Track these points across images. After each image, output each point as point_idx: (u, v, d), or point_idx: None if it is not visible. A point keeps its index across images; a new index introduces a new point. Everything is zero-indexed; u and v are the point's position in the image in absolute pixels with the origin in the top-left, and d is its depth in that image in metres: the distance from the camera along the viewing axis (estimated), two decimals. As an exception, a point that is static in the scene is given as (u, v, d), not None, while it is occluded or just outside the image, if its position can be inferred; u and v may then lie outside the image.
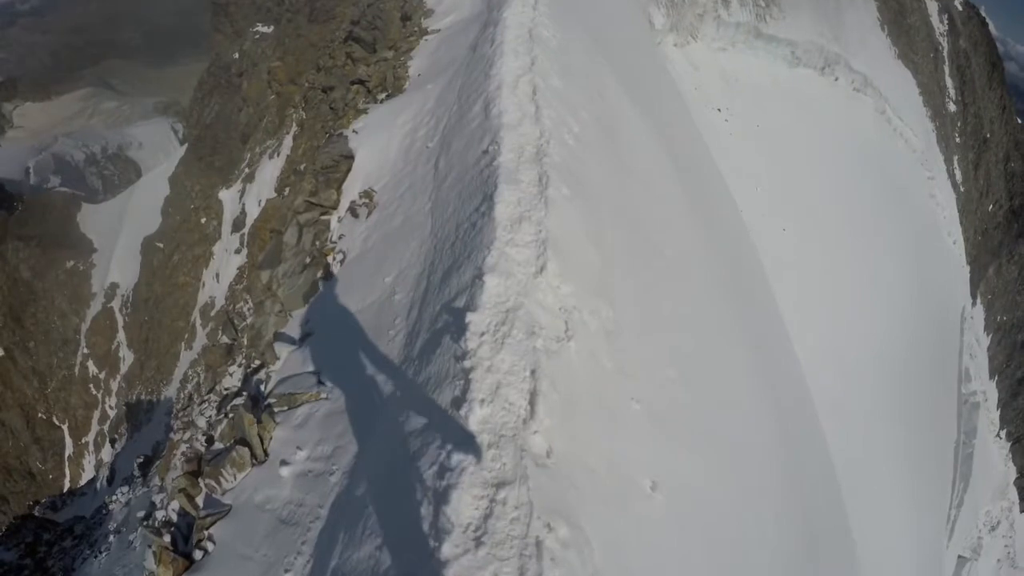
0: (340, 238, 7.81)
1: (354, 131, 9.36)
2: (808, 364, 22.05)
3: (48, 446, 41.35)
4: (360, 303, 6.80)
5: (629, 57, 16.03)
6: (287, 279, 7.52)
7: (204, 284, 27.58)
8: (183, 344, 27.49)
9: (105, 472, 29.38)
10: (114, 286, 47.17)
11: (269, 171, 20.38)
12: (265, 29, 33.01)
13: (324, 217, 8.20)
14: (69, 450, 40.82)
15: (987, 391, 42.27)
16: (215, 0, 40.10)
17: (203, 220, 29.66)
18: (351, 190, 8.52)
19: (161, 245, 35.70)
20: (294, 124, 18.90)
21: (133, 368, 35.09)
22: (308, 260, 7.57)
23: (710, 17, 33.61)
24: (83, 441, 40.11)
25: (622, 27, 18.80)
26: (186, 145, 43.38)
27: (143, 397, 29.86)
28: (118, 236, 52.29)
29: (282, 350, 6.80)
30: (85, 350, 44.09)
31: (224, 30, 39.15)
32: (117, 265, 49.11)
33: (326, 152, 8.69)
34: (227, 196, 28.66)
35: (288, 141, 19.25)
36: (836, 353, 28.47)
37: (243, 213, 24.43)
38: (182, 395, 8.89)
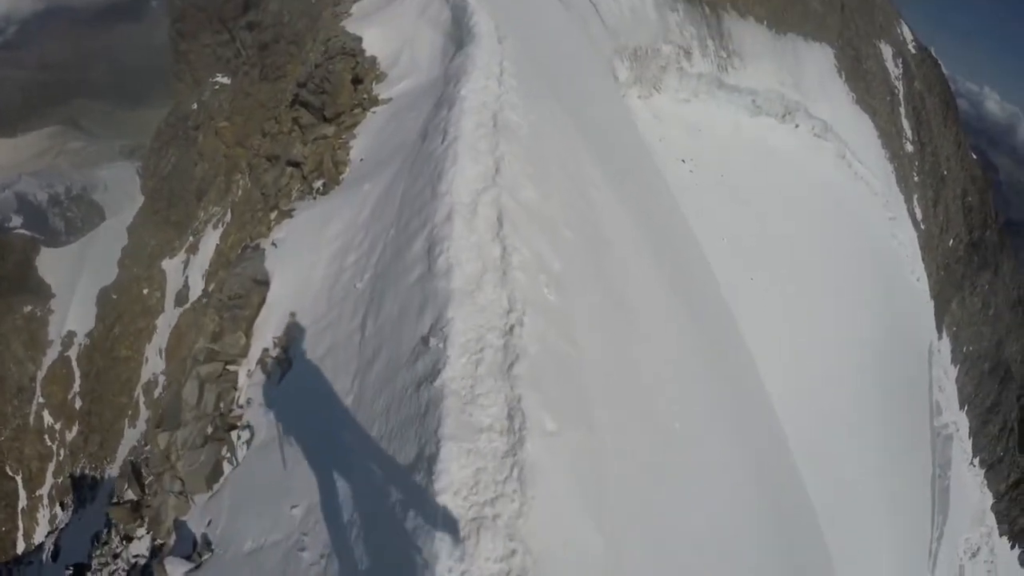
0: (248, 403, 6.43)
1: (273, 243, 7.69)
2: (783, 409, 21.47)
3: (1, 497, 39.08)
4: (261, 534, 5.05)
5: (600, 118, 15.07)
6: (187, 451, 6.22)
7: (147, 359, 25.79)
8: (126, 421, 25.70)
9: (50, 547, 27.61)
10: (71, 334, 45.29)
11: (213, 243, 19.10)
12: (224, 80, 31.83)
13: (230, 368, 6.80)
14: (23, 502, 38.49)
15: (958, 422, 42.63)
16: (176, 47, 38.83)
17: (145, 291, 27.95)
18: (263, 332, 6.92)
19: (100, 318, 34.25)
20: (239, 191, 17.56)
21: (77, 440, 33.17)
22: (210, 429, 6.26)
23: (673, 69, 33.43)
24: (37, 494, 37.85)
25: (589, 82, 17.90)
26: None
27: (87, 472, 27.87)
28: (77, 283, 50.74)
29: (175, 571, 5.49)
30: (40, 399, 41.93)
31: (184, 79, 37.81)
32: (75, 312, 47.41)
33: (236, 275, 7.30)
34: (170, 266, 27.10)
35: (229, 215, 18.01)
36: (810, 397, 27.99)
37: (186, 287, 22.94)
38: (96, 546, 7.57)
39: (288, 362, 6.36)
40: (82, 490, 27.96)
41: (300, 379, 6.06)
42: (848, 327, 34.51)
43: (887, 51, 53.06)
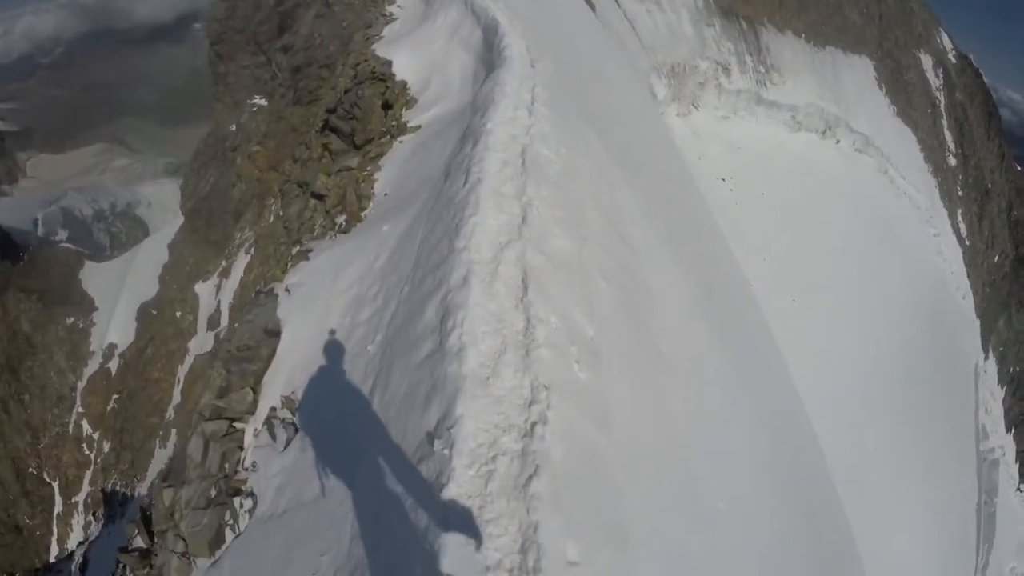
0: (253, 467, 5.87)
1: (287, 289, 7.09)
2: (826, 434, 20.64)
3: (37, 502, 39.48)
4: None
5: (638, 142, 14.29)
6: (190, 511, 5.71)
7: (179, 381, 25.79)
8: (157, 442, 25.62)
9: (79, 558, 27.77)
10: (112, 347, 45.95)
11: (242, 269, 18.85)
12: (261, 102, 31.85)
13: (236, 426, 6.23)
14: (58, 508, 38.97)
15: (1005, 445, 40.95)
16: (215, 69, 39.15)
17: (178, 314, 27.99)
18: (272, 388, 6.33)
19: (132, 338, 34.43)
20: (271, 217, 17.20)
21: (109, 456, 33.34)
22: (214, 492, 5.74)
23: (711, 86, 32.74)
24: (73, 500, 38.32)
25: (626, 103, 17.15)
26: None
27: (118, 488, 27.98)
28: (119, 296, 51.62)
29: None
30: (80, 408, 42.57)
31: (224, 100, 38.06)
32: (116, 326, 48.19)
33: (247, 323, 6.73)
34: (203, 289, 27.10)
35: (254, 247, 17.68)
36: (855, 423, 27.42)
37: (218, 311, 22.73)
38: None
39: (295, 427, 5.78)
40: (112, 505, 28.04)
41: (305, 450, 5.44)
42: (891, 348, 33.38)
43: (927, 61, 51.48)
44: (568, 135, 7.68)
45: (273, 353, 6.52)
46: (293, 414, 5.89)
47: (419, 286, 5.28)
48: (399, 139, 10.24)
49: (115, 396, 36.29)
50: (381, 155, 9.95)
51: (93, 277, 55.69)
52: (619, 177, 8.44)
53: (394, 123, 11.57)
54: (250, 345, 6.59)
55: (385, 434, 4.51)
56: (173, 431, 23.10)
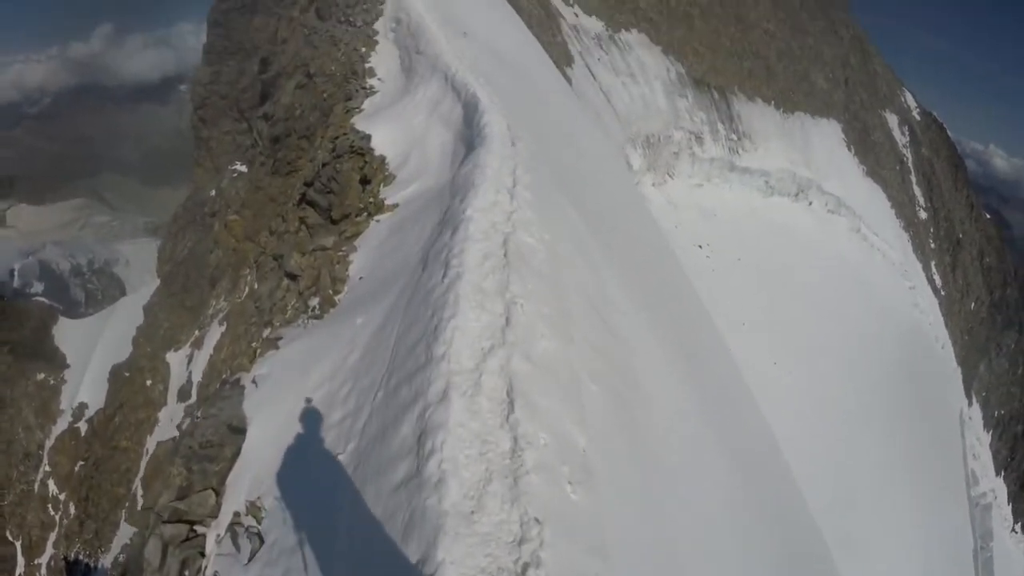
0: None
1: (254, 381, 6.78)
2: (812, 496, 20.48)
3: None
4: None
5: (619, 221, 14.22)
6: (148, 624, 5.28)
7: (148, 451, 24.86)
8: (123, 512, 24.51)
9: None
10: (83, 406, 44.68)
11: (215, 341, 18.27)
12: (242, 168, 31.74)
13: (197, 531, 5.76)
14: (20, 569, 37.05)
15: (996, 489, 41.14)
16: (198, 134, 39.17)
17: (148, 382, 27.18)
18: (236, 491, 5.79)
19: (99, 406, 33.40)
20: (246, 288, 16.80)
21: (72, 524, 31.91)
22: (172, 600, 5.33)
23: (685, 155, 33.50)
24: (35, 562, 36.35)
25: (605, 179, 17.21)
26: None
27: (80, 558, 26.70)
28: (92, 356, 50.54)
29: None
30: (47, 467, 40.93)
31: (205, 164, 37.94)
32: (88, 385, 47.06)
33: (211, 417, 6.29)
34: (175, 359, 26.43)
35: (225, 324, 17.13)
36: (842, 481, 27.23)
37: (189, 382, 22.08)
38: None
39: (259, 538, 5.33)
40: (75, 575, 26.66)
41: (271, 566, 4.99)
42: (874, 403, 33.52)
43: (892, 120, 53.34)
44: (551, 218, 7.49)
45: (238, 452, 6.10)
46: (259, 523, 5.44)
47: (394, 394, 4.93)
48: (376, 218, 10.01)
49: (80, 463, 34.93)
50: (357, 235, 9.69)
51: (67, 333, 54.93)
52: (601, 257, 8.27)
53: (371, 200, 11.38)
54: (213, 442, 6.17)
55: (358, 559, 4.13)
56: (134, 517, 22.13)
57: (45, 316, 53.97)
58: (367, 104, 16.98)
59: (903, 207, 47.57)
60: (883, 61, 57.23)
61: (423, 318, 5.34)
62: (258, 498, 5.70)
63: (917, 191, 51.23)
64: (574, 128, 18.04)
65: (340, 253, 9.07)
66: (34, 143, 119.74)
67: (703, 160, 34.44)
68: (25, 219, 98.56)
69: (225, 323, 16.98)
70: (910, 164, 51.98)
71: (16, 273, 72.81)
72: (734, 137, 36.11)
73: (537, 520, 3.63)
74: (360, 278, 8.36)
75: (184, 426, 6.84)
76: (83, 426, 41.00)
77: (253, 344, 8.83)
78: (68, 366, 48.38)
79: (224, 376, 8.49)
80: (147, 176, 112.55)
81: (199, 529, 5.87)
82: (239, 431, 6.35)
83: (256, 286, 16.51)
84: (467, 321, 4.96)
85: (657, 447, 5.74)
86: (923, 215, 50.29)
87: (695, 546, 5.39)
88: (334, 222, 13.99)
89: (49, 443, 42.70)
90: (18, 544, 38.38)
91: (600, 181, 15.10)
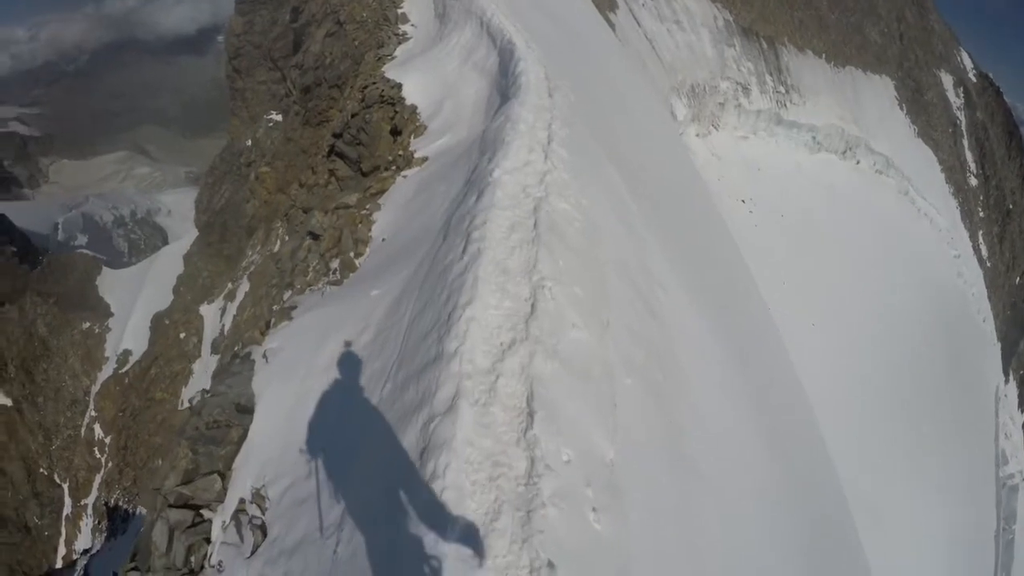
0: (219, 567, 4.93)
1: (264, 356, 6.16)
2: (842, 460, 20.02)
3: (47, 502, 39.11)
4: None
5: (661, 171, 13.23)
6: (156, 604, 4.91)
7: (183, 402, 25.01)
8: (160, 462, 24.91)
9: (80, 572, 27.23)
10: (127, 352, 45.86)
11: (238, 305, 17.93)
12: (277, 118, 31.15)
13: (203, 515, 5.30)
14: (68, 509, 38.55)
15: None
16: (233, 84, 38.56)
17: (182, 335, 27.20)
18: (242, 475, 5.17)
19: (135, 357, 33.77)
20: (278, 241, 16.31)
21: (112, 471, 32.76)
22: (179, 584, 4.92)
23: (731, 106, 31.90)
24: (83, 503, 37.80)
25: (648, 127, 16.13)
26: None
27: (120, 504, 27.35)
28: (135, 303, 51.62)
29: None
30: (93, 412, 42.19)
31: (240, 114, 37.41)
32: (131, 332, 48.14)
33: (220, 395, 5.74)
34: (208, 311, 26.37)
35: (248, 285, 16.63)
36: (872, 448, 26.55)
37: (222, 334, 21.94)
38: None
39: (262, 531, 4.82)
40: (115, 520, 27.48)
41: (269, 563, 4.47)
42: (911, 372, 32.51)
43: (947, 80, 50.29)
44: (590, 181, 6.61)
45: (245, 435, 5.57)
46: (262, 513, 4.93)
47: (401, 392, 4.20)
48: (403, 173, 9.24)
49: (119, 412, 35.77)
50: (383, 191, 8.95)
51: (110, 283, 55.86)
52: (642, 221, 7.40)
53: (400, 152, 10.59)
54: (220, 422, 5.65)
55: (357, 571, 3.53)
56: (163, 456, 22.27)
57: (89, 267, 55.26)
58: (399, 52, 16.07)
59: (953, 172, 45.19)
60: (940, 17, 53.69)
61: (438, 300, 4.54)
62: (263, 487, 5.15)
63: (969, 156, 48.57)
64: (616, 77, 16.87)
65: (364, 212, 8.37)
66: (73, 100, 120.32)
67: (749, 112, 32.90)
68: (68, 174, 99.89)
69: (250, 282, 16.55)
70: (963, 128, 49.19)
71: (60, 227, 74.05)
72: (782, 89, 34.28)
73: (551, 564, 2.93)
74: (383, 240, 7.64)
75: (195, 401, 6.30)
76: (128, 370, 41.99)
77: (274, 307, 8.25)
78: (112, 314, 49.67)
79: (236, 348, 7.97)
80: (187, 127, 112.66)
81: (206, 514, 5.39)
82: (247, 411, 5.79)
83: (287, 238, 16.05)
84: (485, 310, 4.15)
85: (696, 451, 4.99)
86: (973, 182, 47.76)
87: (730, 562, 4.69)
88: (364, 174, 13.29)
89: (95, 389, 43.47)
90: (65, 486, 39.37)
91: (643, 134, 14.05)
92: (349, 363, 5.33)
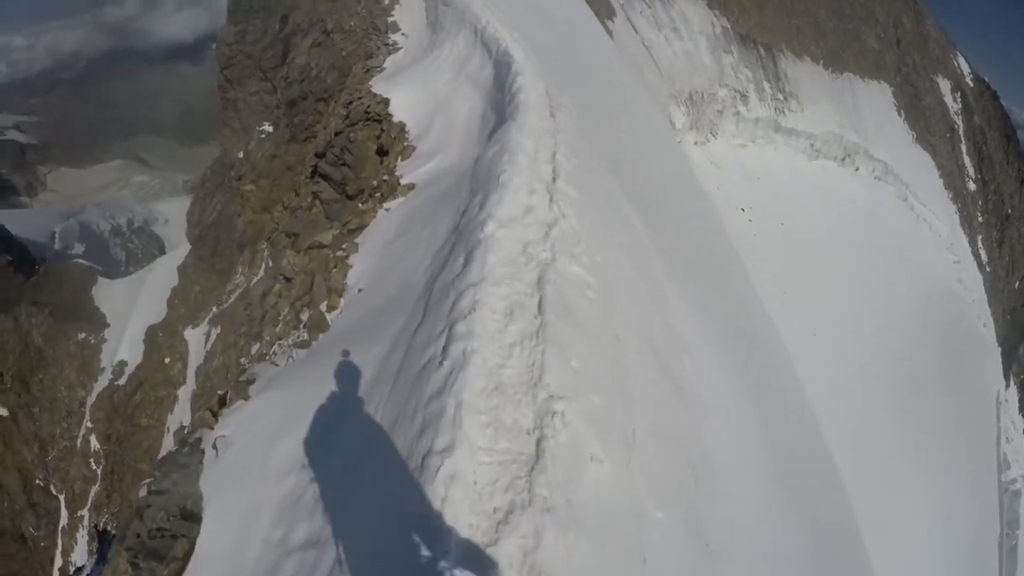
0: None
1: (214, 446, 4.89)
2: (844, 466, 19.29)
3: (43, 513, 38.21)
4: None
5: (671, 199, 11.99)
6: None
7: (169, 429, 23.78)
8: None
9: None
10: (122, 364, 45.11)
11: (214, 341, 16.68)
12: (269, 129, 29.94)
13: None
14: (64, 521, 37.65)
15: None
16: (225, 94, 37.27)
17: (167, 360, 25.99)
18: None
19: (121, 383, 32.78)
20: (262, 265, 15.03)
21: (100, 496, 31.70)
22: None
23: (729, 113, 30.95)
24: (79, 514, 36.91)
25: (651, 139, 14.92)
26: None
27: (108, 528, 26.28)
28: (130, 314, 51.13)
29: None
30: (89, 424, 41.37)
31: (233, 125, 36.15)
32: (127, 343, 47.55)
33: (163, 497, 4.43)
34: (193, 336, 25.17)
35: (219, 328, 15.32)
36: (874, 455, 26.02)
37: (206, 361, 20.83)
38: None
39: None
40: (104, 544, 26.46)
41: None
42: (912, 378, 31.76)
43: (945, 85, 49.46)
44: (604, 228, 5.36)
45: (191, 552, 4.37)
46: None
47: (360, 553, 2.93)
48: (385, 206, 8.00)
49: (105, 437, 34.76)
50: (362, 227, 7.69)
51: (106, 294, 55.45)
52: (662, 268, 6.18)
53: (386, 177, 9.36)
54: (164, 530, 4.48)
55: None
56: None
57: (85, 277, 53.81)
58: (388, 63, 14.83)
59: (952, 177, 44.41)
60: (937, 22, 52.79)
61: (409, 426, 3.17)
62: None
63: (967, 161, 47.81)
64: (618, 88, 15.63)
65: (340, 253, 7.12)
66: (70, 108, 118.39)
67: (748, 120, 31.99)
68: (65, 183, 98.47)
69: (219, 325, 15.28)
70: (960, 133, 48.40)
71: (57, 236, 72.70)
72: (780, 96, 33.34)
73: None
74: (359, 290, 6.36)
75: (140, 496, 5.08)
76: (123, 382, 41.23)
77: (242, 360, 7.03)
78: (108, 325, 48.33)
79: (187, 430, 6.77)
80: (184, 135, 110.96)
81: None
82: (195, 518, 4.59)
83: (270, 263, 14.83)
84: (472, 457, 2.90)
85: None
86: (972, 187, 47.00)
87: None
88: (349, 197, 12.04)
89: (91, 400, 42.72)
90: (62, 497, 38.61)
91: (649, 149, 12.84)
92: (307, 475, 4.08)
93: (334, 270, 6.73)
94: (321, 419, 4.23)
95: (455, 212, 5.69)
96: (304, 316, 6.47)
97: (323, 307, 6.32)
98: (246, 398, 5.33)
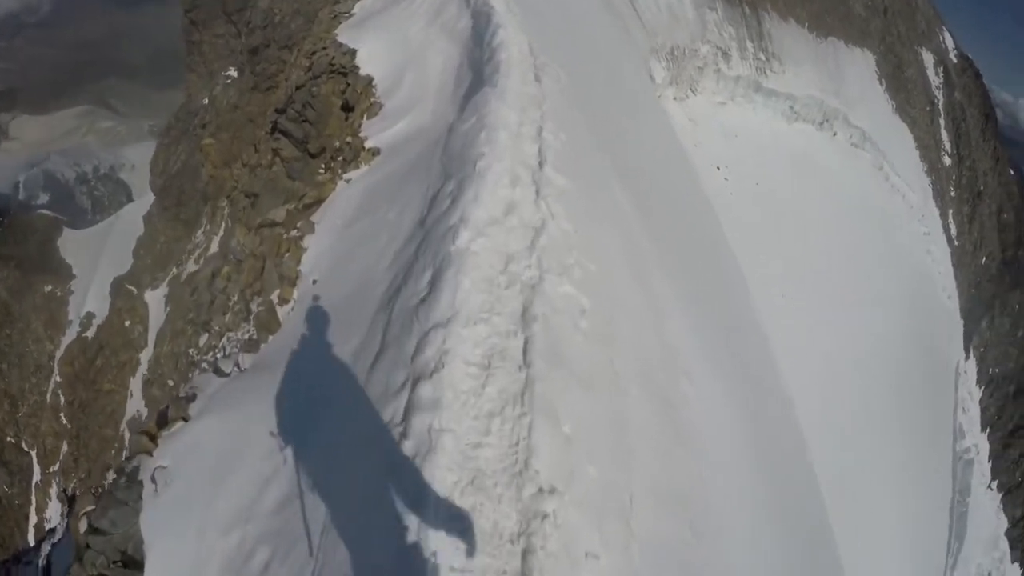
0: None
1: (152, 478, 3.99)
2: (811, 434, 19.31)
3: (16, 470, 37.58)
4: None
5: (660, 171, 11.10)
6: None
7: (132, 394, 22.70)
8: (112, 454, 22.83)
9: (43, 562, 25.64)
10: (90, 316, 44.10)
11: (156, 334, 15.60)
12: (235, 74, 28.01)
13: None
14: (37, 477, 37.10)
15: (979, 444, 40.40)
16: (189, 38, 34.80)
17: (127, 323, 24.64)
18: None
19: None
20: (222, 223, 13.75)
21: (67, 460, 30.76)
22: None
23: (710, 70, 30.12)
24: (51, 470, 36.34)
25: (639, 107, 13.92)
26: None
27: (78, 494, 25.40)
28: (97, 265, 50.18)
29: None
30: (58, 378, 40.48)
31: (198, 70, 33.85)
32: (94, 295, 46.47)
33: (101, 542, 3.55)
34: (152, 299, 23.82)
35: (215, 244, 14.03)
36: (831, 413, 25.65)
37: (156, 344, 19.68)
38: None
39: None
40: (75, 508, 25.65)
41: None
42: (877, 345, 31.83)
43: (928, 58, 49.09)
44: (598, 226, 4.44)
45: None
46: None
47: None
48: (346, 176, 6.94)
49: (67, 403, 33.72)
50: (319, 201, 6.64)
51: (72, 245, 53.60)
52: (658, 268, 5.32)
53: (348, 139, 8.27)
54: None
55: None
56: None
57: (50, 228, 52.90)
58: (357, 8, 13.46)
59: (928, 150, 44.45)
60: (925, -5, 52.02)
61: (379, 424, 2.48)
62: None
63: (944, 136, 47.89)
64: (604, 44, 14.44)
65: (294, 233, 6.10)
66: (35, 52, 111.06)
67: (728, 78, 31.24)
68: (29, 130, 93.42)
69: (169, 305, 14.14)
70: (940, 107, 48.34)
71: (21, 185, 69.78)
72: (762, 56, 32.50)
73: None
74: (313, 281, 5.38)
75: (80, 532, 4.20)
76: (91, 334, 40.23)
77: (191, 351, 6.08)
78: (74, 276, 47.79)
79: (124, 456, 5.83)
80: (152, 79, 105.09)
81: None
82: (136, 565, 3.76)
83: (230, 224, 13.63)
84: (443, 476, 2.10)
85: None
86: (947, 161, 47.22)
87: None
88: (312, 156, 10.90)
89: (59, 353, 41.58)
90: (33, 453, 37.78)
91: (641, 124, 11.78)
92: (256, 527, 3.23)
93: (287, 254, 5.75)
94: (266, 453, 3.35)
95: (423, 196, 4.70)
96: (254, 306, 5.53)
97: (275, 298, 5.37)
98: (186, 418, 4.44)
